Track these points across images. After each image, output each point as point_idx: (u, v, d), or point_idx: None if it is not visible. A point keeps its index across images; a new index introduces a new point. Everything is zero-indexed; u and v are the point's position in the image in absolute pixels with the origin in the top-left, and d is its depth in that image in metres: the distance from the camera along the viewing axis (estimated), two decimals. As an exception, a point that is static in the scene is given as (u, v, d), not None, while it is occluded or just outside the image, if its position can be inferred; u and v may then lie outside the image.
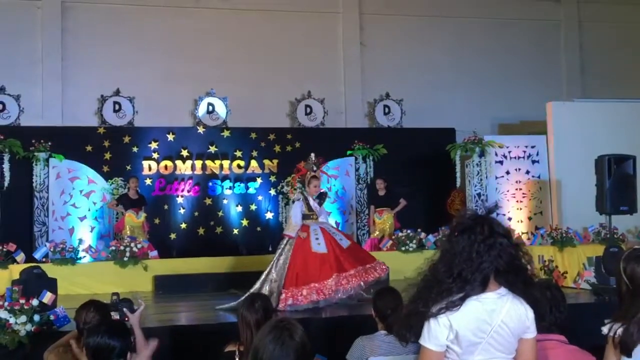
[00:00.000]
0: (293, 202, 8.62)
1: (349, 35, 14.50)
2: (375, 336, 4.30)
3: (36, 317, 5.78)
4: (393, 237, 11.48)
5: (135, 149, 12.74)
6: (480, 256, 2.75)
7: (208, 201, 13.00)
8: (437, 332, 2.75)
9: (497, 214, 12.47)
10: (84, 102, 13.04)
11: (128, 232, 11.24)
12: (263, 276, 8.01)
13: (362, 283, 7.86)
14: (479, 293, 2.77)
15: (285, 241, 8.17)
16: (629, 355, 3.06)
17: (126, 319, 4.51)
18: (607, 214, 9.99)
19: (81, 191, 12.27)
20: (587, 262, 9.56)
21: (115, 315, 4.50)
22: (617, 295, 3.20)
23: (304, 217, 8.21)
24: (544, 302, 3.25)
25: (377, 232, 12.11)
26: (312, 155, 8.68)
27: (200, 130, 13.05)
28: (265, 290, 7.72)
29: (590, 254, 10.38)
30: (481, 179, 12.46)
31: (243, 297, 6.63)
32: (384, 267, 8.17)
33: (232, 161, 13.12)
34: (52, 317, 5.93)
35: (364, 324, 4.83)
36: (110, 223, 12.25)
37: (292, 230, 8.15)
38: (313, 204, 8.32)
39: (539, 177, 13.27)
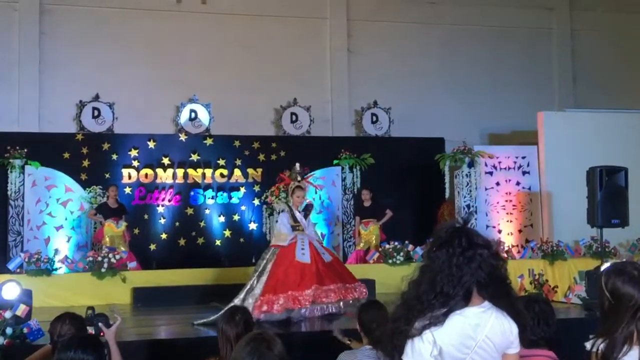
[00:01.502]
0: (278, 212, 8.59)
1: (336, 41, 14.54)
2: (360, 351, 4.30)
3: (9, 330, 5.76)
4: (380, 249, 11.50)
5: (114, 157, 12.70)
6: (461, 269, 2.76)
7: (189, 211, 12.97)
8: (420, 348, 2.76)
9: (487, 227, 12.62)
10: (61, 107, 12.99)
11: (108, 242, 11.19)
12: (246, 288, 8.01)
13: (340, 302, 7.92)
14: (462, 307, 2.78)
15: (270, 251, 8.19)
16: None
17: (102, 334, 4.50)
18: (598, 226, 10.06)
19: (58, 200, 12.21)
20: (578, 276, 9.64)
21: (90, 330, 4.49)
22: (600, 311, 3.23)
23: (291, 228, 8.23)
24: (528, 314, 3.27)
25: (363, 244, 12.13)
26: (297, 165, 8.77)
27: (182, 137, 13.04)
28: (249, 303, 7.71)
29: (581, 267, 10.48)
30: (470, 190, 12.52)
31: (222, 311, 6.62)
32: (364, 290, 8.22)
33: (214, 170, 13.10)
34: (25, 330, 5.90)
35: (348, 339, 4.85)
36: (87, 233, 12.19)
37: (283, 241, 8.15)
38: (298, 215, 8.35)
39: (529, 188, 13.34)
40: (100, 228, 11.55)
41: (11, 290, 6.84)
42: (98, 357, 3.54)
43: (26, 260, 10.07)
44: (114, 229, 11.38)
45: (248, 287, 8.01)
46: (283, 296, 7.66)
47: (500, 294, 2.85)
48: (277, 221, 8.44)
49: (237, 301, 7.72)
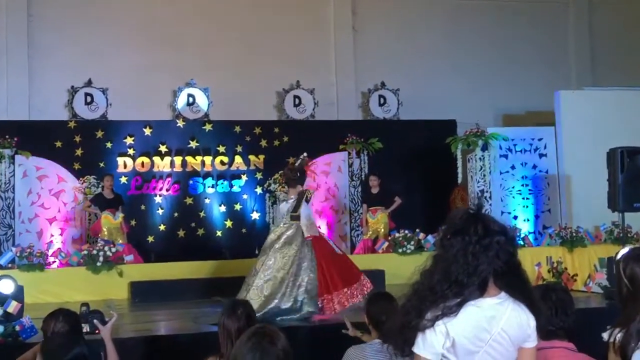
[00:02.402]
0: (281, 201, 8.46)
1: (340, 20, 14.48)
2: (368, 345, 4.28)
3: (0, 328, 5.76)
4: (389, 238, 11.48)
5: (109, 145, 12.69)
6: (477, 258, 2.74)
7: (189, 201, 12.97)
8: (432, 339, 2.74)
9: (502, 213, 12.58)
10: (52, 94, 12.97)
11: (106, 234, 11.20)
12: (285, 284, 7.73)
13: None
14: (477, 298, 2.76)
15: (300, 242, 7.90)
16: None
17: (97, 331, 4.50)
18: (619, 211, 9.99)
19: (50, 191, 12.21)
20: (599, 263, 9.59)
21: (85, 328, 4.49)
22: (618, 298, 3.21)
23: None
24: (545, 304, 3.24)
25: (371, 233, 12.12)
26: (305, 154, 8.57)
27: (180, 123, 13.02)
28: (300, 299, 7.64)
29: (602, 254, 10.42)
30: (484, 175, 12.45)
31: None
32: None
33: (214, 157, 13.09)
34: (17, 328, 5.90)
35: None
36: (82, 225, 12.20)
37: (315, 231, 8.03)
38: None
39: (546, 172, 13.29)
40: (97, 220, 11.55)
41: (7, 287, 6.85)
42: (80, 353, 3.54)
43: (18, 254, 10.07)
44: (111, 220, 11.39)
45: (287, 283, 7.76)
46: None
47: (516, 283, 2.83)
48: (295, 210, 8.04)
49: (279, 297, 7.63)
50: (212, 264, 10.93)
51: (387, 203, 12.17)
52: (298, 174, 8.16)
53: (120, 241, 11.15)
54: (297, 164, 8.34)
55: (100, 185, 12.00)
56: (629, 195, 9.69)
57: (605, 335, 3.18)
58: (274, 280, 7.71)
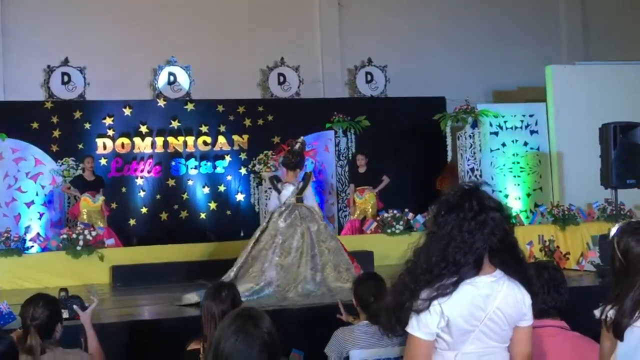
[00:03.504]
0: (288, 184, 8.27)
1: (325, -6, 14.41)
2: (357, 327, 4.29)
3: (-24, 315, 5.70)
4: (377, 218, 11.47)
5: (87, 126, 12.60)
6: (472, 235, 2.74)
7: (171, 182, 12.92)
8: (427, 319, 2.74)
9: (493, 191, 12.59)
10: (28, 73, 12.83)
11: (85, 218, 11.15)
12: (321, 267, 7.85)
13: None
14: (473, 276, 2.76)
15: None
16: (622, 338, 3.06)
17: (77, 317, 4.47)
18: (612, 188, 10.01)
19: (27, 173, 12.14)
20: (592, 241, 9.64)
21: (64, 314, 4.45)
22: (611, 273, 3.20)
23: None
24: (538, 282, 3.24)
25: (358, 213, 12.09)
26: (302, 138, 8.84)
27: (161, 103, 12.95)
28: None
29: (594, 232, 10.47)
30: (474, 153, 12.47)
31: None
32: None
33: (197, 137, 13.05)
34: (-6, 315, 5.84)
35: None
36: (61, 209, 12.14)
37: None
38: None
39: (538, 149, 13.32)
40: (76, 203, 11.49)
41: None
42: (52, 312, 3.74)
43: (-5, 239, 10.00)
44: (90, 203, 11.32)
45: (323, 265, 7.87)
46: None
47: (512, 261, 2.83)
48: (300, 192, 8.15)
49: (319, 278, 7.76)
50: (196, 247, 10.91)
51: (375, 182, 12.15)
52: (299, 158, 8.29)
53: (101, 224, 11.11)
54: (296, 148, 8.37)
55: (80, 167, 11.91)
56: (622, 171, 9.68)
57: (597, 313, 3.19)
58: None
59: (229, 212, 13.11)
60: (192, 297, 7.25)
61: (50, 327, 4.05)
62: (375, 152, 12.75)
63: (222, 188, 13.13)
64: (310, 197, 8.25)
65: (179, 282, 9.35)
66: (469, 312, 2.74)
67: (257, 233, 8.04)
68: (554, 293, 3.54)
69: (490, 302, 2.75)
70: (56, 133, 12.41)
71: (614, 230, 3.29)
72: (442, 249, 2.76)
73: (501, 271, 2.81)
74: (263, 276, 7.65)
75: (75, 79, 12.87)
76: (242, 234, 12.45)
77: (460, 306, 2.73)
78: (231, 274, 7.78)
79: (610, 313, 3.08)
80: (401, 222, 11.19)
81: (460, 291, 2.73)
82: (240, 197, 13.16)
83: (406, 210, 11.42)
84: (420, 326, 2.75)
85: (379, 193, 12.15)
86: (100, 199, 11.46)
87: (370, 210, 11.97)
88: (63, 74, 12.86)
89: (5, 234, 10.06)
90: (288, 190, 8.14)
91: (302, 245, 7.84)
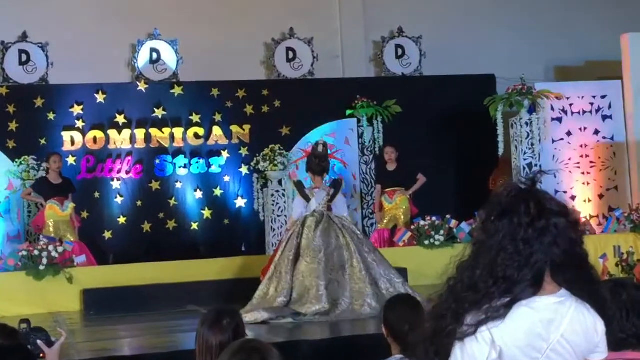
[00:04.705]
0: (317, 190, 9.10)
1: (344, -52, 14.47)
2: (388, 363, 4.30)
3: None
4: (412, 227, 11.47)
5: (51, 116, 12.72)
6: (530, 246, 2.73)
7: (155, 185, 13.02)
8: (474, 349, 2.73)
9: (556, 192, 12.57)
10: (-23, 52, 12.99)
11: (52, 229, 11.20)
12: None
13: None
14: (531, 296, 2.75)
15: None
16: None
17: (42, 355, 4.51)
18: None
19: (-22, 176, 12.26)
20: (680, 253, 9.59)
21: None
22: None
23: None
24: (615, 305, 3.23)
25: (387, 221, 12.10)
26: (323, 139, 9.85)
27: (142, 87, 13.05)
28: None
29: (684, 242, 10.43)
30: (533, 144, 12.43)
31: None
32: None
33: (186, 129, 13.15)
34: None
35: (373, 347, 4.83)
36: (19, 219, 12.22)
37: None
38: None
39: (612, 138, 13.28)
40: (40, 212, 11.54)
41: None
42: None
43: (-61, 258, 10.11)
44: (58, 212, 11.37)
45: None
46: None
47: (580, 278, 2.82)
48: (332, 200, 9.06)
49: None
50: (187, 265, 11.00)
51: (408, 183, 12.14)
52: (326, 162, 9.21)
53: (71, 238, 11.16)
54: (320, 151, 9.15)
55: (42, 168, 11.99)
56: None
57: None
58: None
59: (226, 222, 13.19)
60: (259, 315, 8.07)
61: None
62: (408, 145, 12.79)
63: (218, 192, 13.20)
64: (341, 206, 9.14)
65: (165, 309, 9.46)
66: (526, 341, 2.73)
67: (287, 247, 8.73)
68: (634, 318, 3.53)
69: (553, 329, 2.74)
70: (13, 125, 12.53)
71: None
72: (490, 261, 2.76)
73: (567, 291, 2.81)
74: (325, 296, 8.32)
75: (35, 58, 12.99)
76: (243, 249, 12.52)
77: (515, 334, 2.72)
78: (281, 299, 8.38)
79: None
80: (442, 232, 11.19)
81: (515, 315, 2.72)
82: (240, 202, 13.23)
83: (448, 216, 11.42)
84: (466, 357, 2.75)
85: (413, 196, 12.14)
86: (70, 206, 11.52)
87: (402, 217, 11.98)
88: (20, 52, 12.98)
89: (-48, 251, 10.17)
90: (319, 198, 8.93)
91: (350, 257, 8.61)
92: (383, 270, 8.69)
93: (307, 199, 8.96)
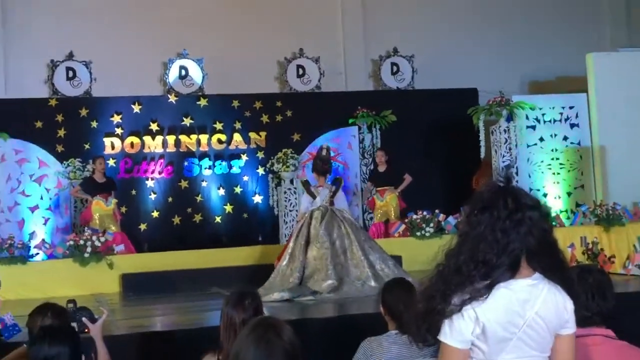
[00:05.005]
0: (321, 187, 9.34)
1: (347, -20, 14.44)
2: (385, 337, 4.28)
3: (-21, 327, 5.76)
4: (405, 220, 11.44)
5: (94, 124, 12.71)
6: (507, 235, 2.73)
7: (184, 184, 12.99)
8: (460, 325, 2.74)
9: (530, 190, 12.53)
10: (30, 69, 12.98)
11: (97, 222, 11.21)
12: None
13: None
14: (509, 279, 2.75)
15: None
16: None
17: (86, 330, 4.50)
18: (661, 184, 9.97)
19: (31, 176, 12.25)
20: (639, 243, 9.56)
21: (73, 326, 4.49)
22: None
23: None
24: (581, 287, 3.23)
25: (380, 216, 12.07)
26: (327, 144, 9.94)
27: (172, 99, 13.02)
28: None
29: (642, 233, 10.40)
30: (510, 148, 12.40)
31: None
32: None
33: (211, 135, 13.11)
34: (-1, 326, 5.91)
35: (371, 324, 4.82)
36: (67, 213, 12.22)
37: None
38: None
39: (579, 143, 13.22)
40: (87, 207, 11.52)
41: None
42: (74, 349, 3.57)
43: (-3, 246, 10.11)
44: (103, 207, 11.37)
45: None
46: None
47: (551, 264, 2.81)
48: (334, 195, 9.34)
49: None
50: (211, 253, 10.96)
51: (396, 182, 12.11)
52: (329, 164, 9.49)
53: (113, 229, 11.18)
54: (324, 155, 9.44)
55: (86, 169, 12.00)
56: (672, 167, 9.64)
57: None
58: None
59: (245, 215, 13.16)
60: (283, 294, 8.35)
61: None
62: (402, 148, 12.80)
63: (238, 189, 13.18)
64: (341, 201, 9.40)
65: (193, 291, 9.43)
66: (505, 318, 2.73)
67: (300, 235, 9.01)
68: (599, 299, 3.52)
69: (528, 307, 2.74)
70: (61, 132, 12.52)
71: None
72: (473, 249, 2.76)
73: (540, 275, 2.80)
74: (333, 274, 8.65)
75: (80, 74, 12.99)
76: (260, 239, 12.50)
77: (496, 311, 2.72)
78: (295, 276, 8.69)
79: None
80: (431, 225, 11.17)
81: (496, 295, 2.72)
82: (258, 199, 13.21)
83: (437, 211, 11.39)
84: (454, 333, 2.75)
85: (402, 193, 12.11)
86: (113, 202, 11.51)
87: (392, 212, 11.95)
88: (68, 69, 12.98)
89: (9, 241, 10.14)
90: (323, 194, 9.20)
91: (350, 244, 8.91)
92: (377, 254, 8.98)
93: (313, 196, 9.23)
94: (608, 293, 3.58)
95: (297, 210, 11.48)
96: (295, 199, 12.06)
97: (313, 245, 8.88)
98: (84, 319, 4.53)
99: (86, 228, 11.03)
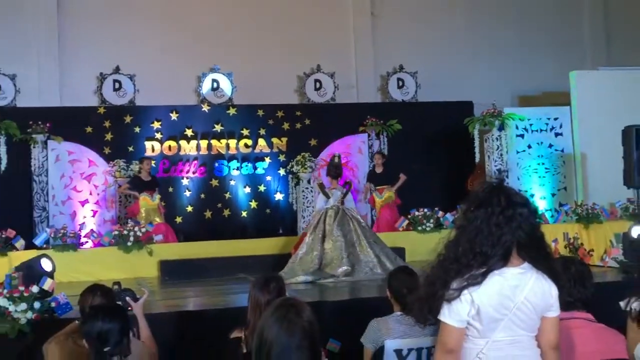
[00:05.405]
0: (334, 189, 9.63)
1: (359, 4, 14.39)
2: (391, 318, 4.29)
3: (37, 305, 5.80)
4: (409, 216, 11.40)
5: (137, 129, 12.74)
6: (500, 229, 2.74)
7: (214, 182, 13.00)
8: (458, 307, 2.75)
9: (519, 191, 12.47)
10: (82, 81, 13.02)
11: (143, 215, 11.23)
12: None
13: None
14: (501, 267, 2.76)
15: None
16: None
17: (130, 308, 4.53)
18: (635, 187, 9.90)
19: (82, 174, 12.29)
20: (615, 239, 9.51)
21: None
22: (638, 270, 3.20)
23: None
24: (565, 276, 3.23)
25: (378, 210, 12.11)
26: (338, 154, 10.33)
27: (205, 108, 13.03)
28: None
29: (617, 230, 10.33)
30: (501, 154, 12.38)
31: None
32: None
33: (238, 140, 13.10)
34: (53, 305, 5.94)
35: (380, 306, 4.82)
36: (112, 207, 12.27)
37: None
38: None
39: (562, 150, 13.17)
40: (136, 202, 11.54)
41: (47, 265, 6.97)
42: (124, 324, 3.61)
43: (52, 235, 10.15)
44: (149, 202, 11.40)
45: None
46: None
47: (539, 255, 2.82)
48: (344, 196, 9.69)
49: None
50: (238, 243, 10.99)
51: (392, 181, 12.10)
52: (340, 170, 9.81)
53: (158, 220, 11.23)
54: (336, 162, 9.77)
55: (130, 169, 12.06)
56: (644, 171, 9.57)
57: (622, 304, 3.18)
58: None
59: (268, 211, 13.14)
60: (299, 277, 8.77)
61: None
62: (406, 153, 12.82)
63: (262, 188, 13.18)
64: (350, 201, 9.78)
65: (222, 276, 9.43)
66: (498, 301, 2.74)
67: (317, 229, 9.31)
68: (580, 286, 3.53)
69: (518, 292, 2.75)
70: (108, 136, 12.56)
71: (635, 228, 3.29)
72: (470, 240, 2.77)
73: (529, 264, 2.80)
74: (346, 262, 8.98)
75: (125, 85, 13.03)
76: (280, 231, 12.52)
77: (489, 295, 2.73)
78: (314, 263, 9.02)
79: (635, 305, 3.07)
80: (431, 220, 11.15)
81: (490, 281, 2.73)
82: (279, 196, 13.20)
83: (436, 208, 11.37)
84: (452, 314, 2.76)
85: (398, 190, 12.08)
86: (157, 197, 11.54)
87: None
88: (115, 81, 13.03)
89: (62, 231, 10.20)
90: (335, 196, 9.49)
91: (358, 238, 9.23)
92: (380, 247, 9.33)
93: (327, 196, 9.53)
94: (588, 282, 3.58)
95: (312, 207, 11.54)
96: (312, 197, 12.07)
97: (329, 239, 9.17)
98: (127, 298, 4.56)
99: (129, 220, 11.07)
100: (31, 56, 12.94)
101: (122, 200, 12.14)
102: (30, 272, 6.55)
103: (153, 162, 12.57)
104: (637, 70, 13.19)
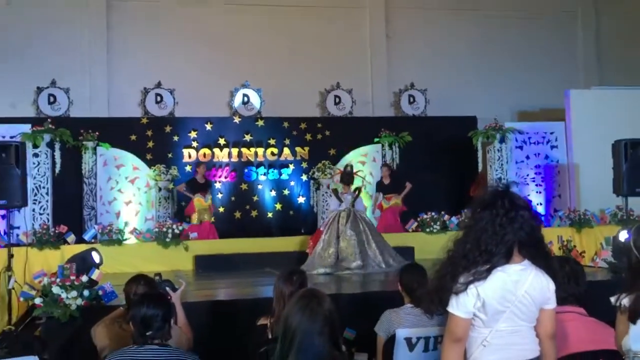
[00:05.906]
0: (346, 194, 9.80)
1: (375, 28, 14.39)
2: (402, 309, 4.29)
3: (86, 293, 5.87)
4: (418, 219, 11.35)
5: (175, 138, 12.82)
6: (504, 229, 2.74)
7: (244, 186, 13.04)
8: (465, 300, 2.75)
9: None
10: (128, 94, 13.13)
11: (197, 214, 11.26)
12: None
13: None
14: (504, 264, 2.75)
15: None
16: (635, 322, 3.04)
17: (169, 297, 4.56)
18: (623, 195, 9.80)
19: (126, 177, 12.37)
20: (605, 242, 9.41)
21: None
22: (628, 268, 3.18)
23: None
24: (560, 273, 3.22)
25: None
26: (351, 163, 10.96)
27: (236, 120, 13.08)
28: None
29: (607, 234, 10.19)
30: (502, 164, 12.30)
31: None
32: None
33: (266, 149, 13.13)
34: (100, 293, 6.00)
35: (391, 299, 4.81)
36: (153, 207, 12.33)
37: None
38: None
39: (557, 161, 13.08)
40: (191, 202, 11.52)
41: (97, 257, 7.06)
42: (166, 311, 3.64)
43: (100, 231, 10.21)
44: (202, 202, 11.39)
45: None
46: None
47: (538, 253, 2.82)
48: (355, 200, 9.82)
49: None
50: (264, 241, 10.97)
51: (398, 190, 11.99)
52: (352, 178, 10.05)
53: (207, 219, 11.27)
54: (348, 170, 10.11)
55: (169, 173, 12.15)
56: (632, 181, 9.51)
57: (612, 300, 3.17)
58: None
59: (291, 212, 13.16)
60: (320, 270, 9.09)
61: None
62: (416, 163, 12.79)
63: (286, 192, 13.20)
64: (360, 205, 9.98)
65: (250, 270, 9.45)
66: (501, 295, 2.73)
67: (332, 229, 9.49)
68: (573, 283, 3.51)
69: (519, 287, 2.75)
70: (150, 144, 12.64)
71: (622, 233, 3.28)
72: (477, 239, 2.77)
73: (529, 261, 2.79)
74: (359, 257, 9.27)
75: (166, 99, 13.11)
76: (302, 231, 12.50)
77: (493, 289, 2.73)
78: (331, 259, 9.28)
79: (625, 301, 3.06)
80: (438, 223, 11.10)
81: (494, 277, 2.73)
82: (301, 199, 13.22)
83: (442, 212, 11.31)
84: (459, 306, 2.75)
85: (404, 198, 12.00)
86: (209, 198, 11.58)
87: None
88: (156, 94, 13.11)
89: (108, 227, 10.25)
90: (347, 200, 9.69)
91: (367, 238, 9.44)
92: (385, 247, 9.61)
93: (340, 200, 9.71)
94: (581, 279, 3.56)
95: (327, 209, 11.58)
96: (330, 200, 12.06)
97: (342, 238, 9.40)
98: (167, 288, 4.59)
99: (168, 218, 11.10)
100: (83, 72, 13.08)
101: (162, 201, 12.20)
102: (82, 264, 6.62)
103: (189, 167, 12.67)
104: (626, 90, 13.09)
